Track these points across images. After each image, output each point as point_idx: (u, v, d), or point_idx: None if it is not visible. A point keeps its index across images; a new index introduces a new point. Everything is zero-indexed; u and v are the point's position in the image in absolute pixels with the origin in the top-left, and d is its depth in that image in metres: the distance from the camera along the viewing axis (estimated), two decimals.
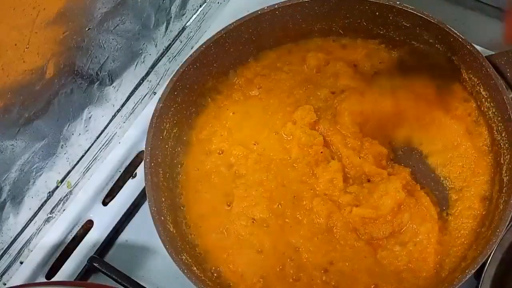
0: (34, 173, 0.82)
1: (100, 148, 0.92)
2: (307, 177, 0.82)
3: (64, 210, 0.90)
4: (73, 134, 0.86)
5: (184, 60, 0.84)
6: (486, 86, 0.80)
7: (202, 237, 0.80)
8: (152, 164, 0.79)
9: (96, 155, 0.92)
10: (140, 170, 0.92)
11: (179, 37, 0.98)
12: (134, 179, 0.92)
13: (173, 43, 0.97)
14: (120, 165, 0.93)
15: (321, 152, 0.82)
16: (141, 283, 0.83)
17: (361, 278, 0.76)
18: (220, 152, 0.85)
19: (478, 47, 0.80)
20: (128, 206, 0.89)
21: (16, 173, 0.79)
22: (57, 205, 0.89)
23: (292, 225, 0.79)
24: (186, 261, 0.75)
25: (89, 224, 0.90)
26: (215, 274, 0.78)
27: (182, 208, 0.82)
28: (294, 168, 0.82)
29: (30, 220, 0.85)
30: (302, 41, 0.90)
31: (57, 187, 0.88)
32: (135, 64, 0.92)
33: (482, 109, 0.82)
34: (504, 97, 0.77)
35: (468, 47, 0.80)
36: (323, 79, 0.88)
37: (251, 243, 0.79)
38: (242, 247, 0.79)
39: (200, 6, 0.99)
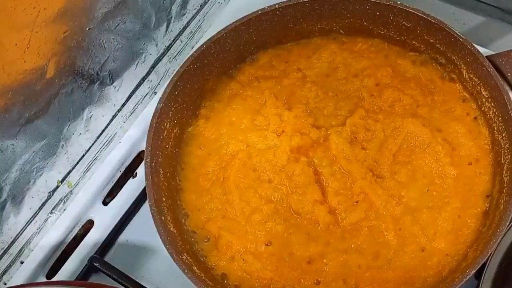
0: (34, 172, 0.82)
1: (101, 148, 0.92)
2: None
3: (65, 209, 0.90)
4: (73, 134, 0.86)
5: (185, 60, 0.83)
6: (486, 86, 0.80)
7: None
8: (153, 164, 0.79)
9: (97, 155, 0.92)
10: (141, 170, 0.92)
11: (179, 37, 0.98)
12: (135, 179, 0.92)
13: (174, 43, 0.97)
14: (120, 165, 0.93)
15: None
16: (141, 283, 0.83)
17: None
18: (221, 152, 0.85)
19: (478, 47, 0.80)
20: (128, 206, 0.89)
21: (16, 172, 0.79)
22: (57, 204, 0.89)
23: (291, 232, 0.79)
24: (186, 261, 0.75)
25: (89, 224, 0.90)
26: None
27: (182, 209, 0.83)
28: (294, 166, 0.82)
29: (31, 219, 0.85)
30: (303, 41, 0.90)
31: (57, 186, 0.88)
32: (135, 64, 0.92)
33: (483, 109, 0.82)
34: (505, 97, 0.77)
35: (469, 47, 0.80)
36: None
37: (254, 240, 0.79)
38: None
39: (201, 6, 0.99)
